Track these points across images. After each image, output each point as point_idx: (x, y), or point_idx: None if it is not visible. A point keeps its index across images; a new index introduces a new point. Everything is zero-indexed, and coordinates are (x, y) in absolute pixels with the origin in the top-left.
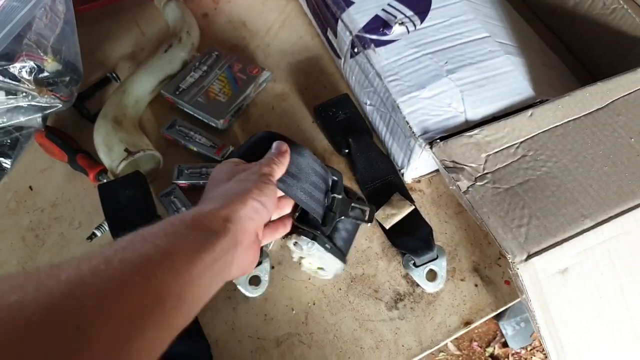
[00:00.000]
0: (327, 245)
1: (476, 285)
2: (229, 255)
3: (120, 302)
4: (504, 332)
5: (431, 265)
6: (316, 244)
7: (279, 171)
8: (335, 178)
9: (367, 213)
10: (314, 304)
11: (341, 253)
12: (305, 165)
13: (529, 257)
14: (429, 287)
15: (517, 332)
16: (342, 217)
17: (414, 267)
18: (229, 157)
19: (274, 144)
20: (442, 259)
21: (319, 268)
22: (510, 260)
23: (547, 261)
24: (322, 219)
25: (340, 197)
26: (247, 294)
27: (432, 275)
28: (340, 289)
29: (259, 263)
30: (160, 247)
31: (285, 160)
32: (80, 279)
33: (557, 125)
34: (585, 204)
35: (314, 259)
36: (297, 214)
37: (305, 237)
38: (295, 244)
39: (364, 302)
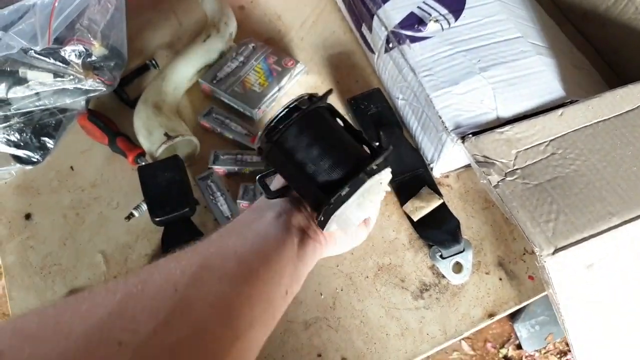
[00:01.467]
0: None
1: (500, 279)
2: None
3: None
4: (518, 334)
5: (457, 258)
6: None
7: None
8: None
9: None
10: (341, 290)
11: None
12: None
13: (556, 251)
14: (455, 279)
15: (531, 334)
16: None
17: (440, 259)
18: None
19: None
20: (469, 252)
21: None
22: (537, 254)
23: (573, 256)
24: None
25: None
26: None
27: (458, 268)
28: (367, 277)
29: None
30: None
31: None
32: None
33: (586, 125)
34: (613, 202)
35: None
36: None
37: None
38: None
39: (390, 290)
